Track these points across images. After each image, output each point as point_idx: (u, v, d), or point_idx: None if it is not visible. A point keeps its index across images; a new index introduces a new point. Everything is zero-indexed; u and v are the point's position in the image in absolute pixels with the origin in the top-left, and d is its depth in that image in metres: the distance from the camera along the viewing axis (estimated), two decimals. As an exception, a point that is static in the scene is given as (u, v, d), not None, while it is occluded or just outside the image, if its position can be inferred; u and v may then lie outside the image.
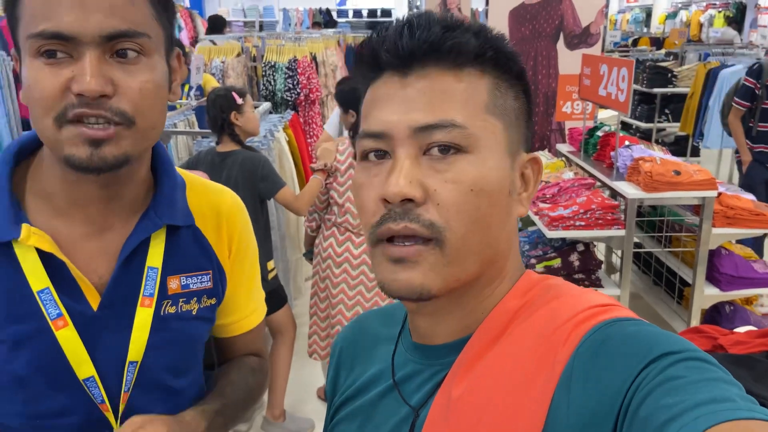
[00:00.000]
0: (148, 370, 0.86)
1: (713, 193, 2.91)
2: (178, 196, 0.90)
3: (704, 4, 17.80)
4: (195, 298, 0.91)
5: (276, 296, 2.82)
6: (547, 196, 3.24)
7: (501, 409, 0.56)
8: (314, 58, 5.61)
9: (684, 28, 15.30)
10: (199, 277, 0.92)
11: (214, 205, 0.95)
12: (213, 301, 0.94)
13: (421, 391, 0.63)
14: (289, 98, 5.21)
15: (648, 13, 21.68)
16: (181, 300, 0.89)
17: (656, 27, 19.65)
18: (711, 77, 6.09)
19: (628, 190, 2.98)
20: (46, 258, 0.80)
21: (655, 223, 3.48)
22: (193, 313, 0.91)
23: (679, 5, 19.45)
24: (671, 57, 8.68)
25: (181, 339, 0.90)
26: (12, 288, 0.80)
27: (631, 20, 21.35)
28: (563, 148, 4.01)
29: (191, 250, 0.91)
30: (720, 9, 16.59)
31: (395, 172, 0.57)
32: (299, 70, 5.22)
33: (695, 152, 7.18)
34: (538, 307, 0.60)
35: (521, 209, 0.63)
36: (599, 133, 3.62)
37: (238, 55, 5.72)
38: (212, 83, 4.77)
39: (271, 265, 2.80)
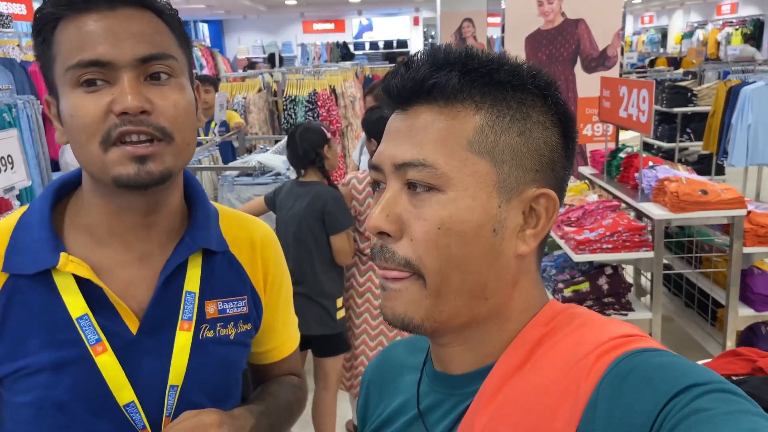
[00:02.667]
0: (188, 393, 0.87)
1: (742, 212, 2.86)
2: (211, 223, 0.93)
3: (721, 22, 17.75)
4: (232, 323, 0.93)
5: (341, 340, 2.76)
6: (572, 219, 3.22)
7: None
8: (333, 91, 5.69)
9: (701, 47, 15.26)
10: (235, 302, 0.94)
11: (248, 235, 0.98)
12: (248, 327, 0.96)
13: (445, 421, 0.63)
14: (309, 131, 5.27)
15: (664, 33, 21.69)
16: (218, 324, 0.91)
17: (672, 47, 19.63)
18: (732, 95, 6.03)
19: (655, 210, 2.94)
20: (84, 285, 0.83)
21: (684, 244, 3.42)
22: (231, 337, 0.93)
23: (695, 25, 19.43)
24: (689, 76, 8.64)
25: (219, 363, 0.92)
26: (51, 315, 0.82)
27: (647, 41, 21.37)
28: (586, 170, 3.99)
29: (227, 275, 0.94)
30: (737, 27, 16.53)
31: (377, 204, 0.60)
32: (319, 103, 5.30)
33: (720, 170, 7.09)
34: (562, 337, 0.60)
35: (522, 247, 0.60)
36: (622, 155, 3.60)
37: (259, 90, 5.83)
38: (236, 119, 4.87)
39: (339, 302, 2.74)
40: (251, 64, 10.07)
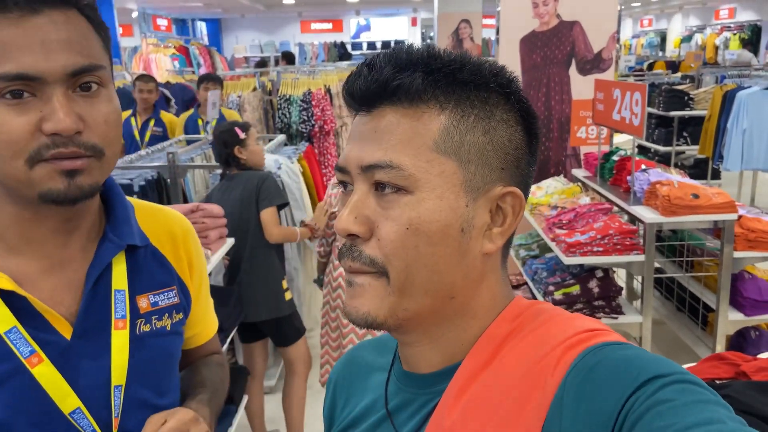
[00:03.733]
0: (133, 391, 0.87)
1: (733, 216, 2.85)
2: (131, 218, 0.92)
3: (719, 27, 17.79)
4: (166, 314, 0.94)
5: (293, 325, 2.81)
6: (564, 221, 3.21)
7: None
8: (328, 90, 5.68)
9: (699, 51, 15.28)
10: (166, 294, 0.94)
11: (167, 228, 0.98)
12: (181, 316, 0.97)
13: (413, 420, 0.63)
14: (303, 130, 5.26)
15: (663, 37, 21.73)
16: (153, 317, 0.91)
17: (671, 51, 19.66)
18: (728, 99, 6.03)
19: (646, 214, 2.94)
20: (6, 297, 0.80)
21: (676, 247, 3.42)
22: (167, 328, 0.93)
23: (694, 29, 19.46)
24: (687, 80, 8.65)
25: (160, 356, 0.92)
26: None
27: (646, 45, 21.40)
28: (579, 173, 3.98)
29: (153, 268, 0.93)
30: (735, 32, 16.56)
31: (345, 207, 0.60)
32: (313, 102, 5.28)
33: (716, 175, 7.09)
34: (528, 333, 0.60)
35: (488, 245, 0.61)
36: (615, 158, 3.59)
37: (254, 89, 5.81)
38: (235, 118, 4.87)
39: (285, 284, 2.83)
40: (262, 62, 10.10)
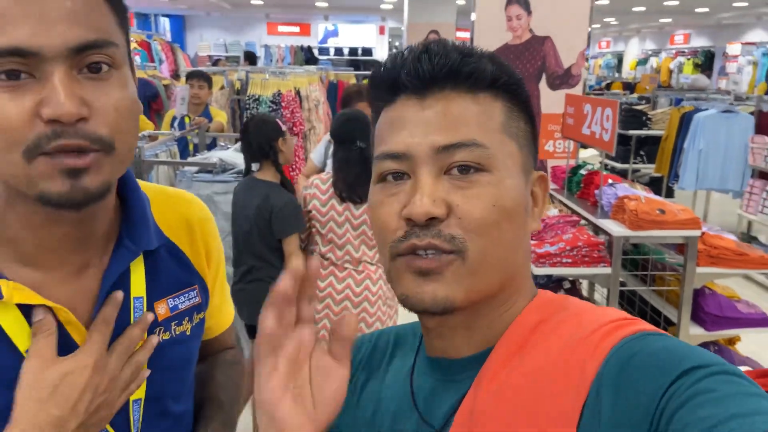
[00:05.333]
0: (153, 403, 0.81)
1: (697, 233, 2.93)
2: (149, 217, 0.82)
3: (674, 51, 18.45)
4: (186, 318, 0.86)
5: None
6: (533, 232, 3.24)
7: (529, 421, 0.56)
8: (298, 93, 5.63)
9: (654, 74, 15.80)
10: (186, 295, 0.86)
11: (183, 216, 0.90)
12: (202, 316, 0.90)
13: (442, 407, 0.63)
14: (272, 131, 5.19)
15: (619, 59, 22.41)
16: (173, 323, 0.84)
17: (627, 72, 20.29)
18: (685, 121, 6.24)
19: (614, 227, 2.99)
20: (26, 309, 0.71)
21: (638, 261, 3.49)
22: (188, 333, 0.86)
23: (649, 52, 20.14)
24: (643, 101, 8.91)
25: (180, 364, 0.86)
26: None
27: (603, 65, 22.05)
28: (546, 185, 4.03)
29: (172, 269, 0.85)
30: (689, 56, 17.20)
31: (419, 192, 0.59)
32: (283, 104, 5.23)
33: (670, 193, 7.31)
34: (559, 321, 0.62)
35: (534, 225, 0.65)
36: (583, 172, 3.66)
37: (222, 88, 5.71)
38: (221, 118, 4.77)
39: None
40: (215, 62, 10.00)
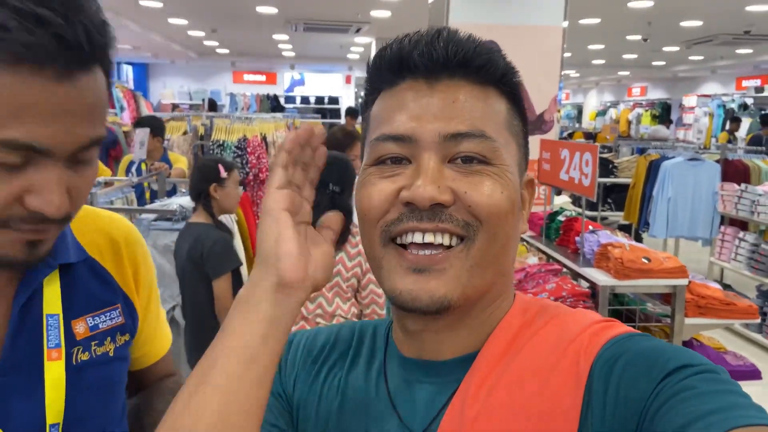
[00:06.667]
0: (74, 428, 0.76)
1: (684, 281, 2.81)
2: (66, 230, 0.79)
3: (631, 103, 19.05)
4: (108, 338, 0.83)
5: None
6: (514, 282, 3.08)
7: (527, 420, 0.55)
8: (264, 139, 5.46)
9: (614, 124, 16.20)
10: (108, 314, 0.83)
11: (108, 236, 0.87)
12: (127, 338, 0.86)
13: (424, 410, 0.61)
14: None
15: (579, 110, 23.06)
16: (93, 343, 0.81)
17: (587, 122, 20.83)
18: (653, 168, 6.27)
19: (599, 276, 2.85)
20: None
21: (622, 311, 3.35)
22: (110, 354, 0.83)
23: (608, 104, 20.77)
24: (606, 150, 9.03)
25: (102, 386, 0.81)
26: None
27: (564, 116, 22.63)
28: (523, 233, 3.91)
29: (92, 286, 0.83)
30: (646, 108, 17.75)
31: (422, 176, 0.57)
32: (249, 149, 5.05)
33: (638, 241, 7.31)
34: (545, 322, 0.62)
35: (523, 226, 0.65)
36: (561, 218, 3.54)
37: (185, 133, 5.52)
38: (182, 162, 4.56)
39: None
40: (174, 108, 9.97)
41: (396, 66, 0.60)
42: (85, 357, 0.79)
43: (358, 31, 9.71)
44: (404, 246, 0.58)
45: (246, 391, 0.53)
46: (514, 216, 0.60)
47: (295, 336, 0.74)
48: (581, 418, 0.54)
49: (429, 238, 0.57)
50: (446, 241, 0.57)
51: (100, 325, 0.82)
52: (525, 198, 0.66)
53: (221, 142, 5.13)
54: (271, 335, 0.54)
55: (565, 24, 4.38)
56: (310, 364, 0.71)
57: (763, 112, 11.50)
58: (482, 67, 0.59)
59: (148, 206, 3.59)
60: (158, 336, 0.97)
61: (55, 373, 0.75)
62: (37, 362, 0.75)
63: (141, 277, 0.89)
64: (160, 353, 0.98)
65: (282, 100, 15.32)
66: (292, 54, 14.10)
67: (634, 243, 3.10)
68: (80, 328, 0.79)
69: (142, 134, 3.99)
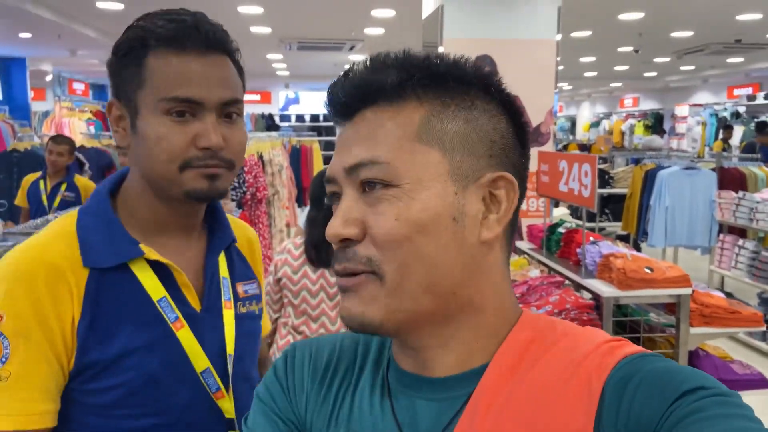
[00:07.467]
0: (240, 360, 1.03)
1: (688, 291, 2.79)
2: (228, 222, 1.11)
3: (624, 114, 19.16)
4: (254, 301, 1.12)
5: None
6: (516, 295, 3.05)
7: None
8: (261, 157, 5.45)
9: (608, 135, 16.28)
10: (252, 285, 1.12)
11: (244, 234, 1.17)
12: (261, 305, 1.16)
13: (431, 427, 0.60)
14: (234, 197, 4.97)
15: (573, 122, 23.18)
16: (247, 302, 1.09)
17: (581, 134, 20.93)
18: (649, 178, 6.28)
19: (602, 288, 2.83)
20: (158, 269, 0.96)
21: (625, 323, 3.33)
22: (256, 312, 1.12)
23: (601, 115, 20.90)
24: (600, 161, 9.06)
25: (253, 333, 1.10)
26: (136, 301, 0.94)
27: (558, 128, 22.74)
28: (523, 245, 3.89)
29: (240, 263, 1.12)
30: (639, 119, 17.85)
31: (335, 214, 0.60)
32: (246, 168, 5.02)
33: (637, 250, 7.29)
34: (555, 339, 0.61)
35: (486, 233, 0.60)
36: (561, 230, 3.53)
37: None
38: (90, 186, 4.56)
39: None
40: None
41: (331, 114, 0.65)
42: (243, 310, 1.07)
43: (351, 48, 9.76)
44: None
45: None
46: (427, 236, 0.57)
47: (295, 350, 0.71)
48: None
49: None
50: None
51: (249, 291, 1.10)
52: (500, 197, 0.60)
53: (218, 161, 5.11)
54: None
55: (558, 37, 4.40)
56: (318, 384, 0.68)
57: (756, 119, 11.56)
58: (371, 91, 0.60)
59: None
60: (265, 318, 1.24)
61: (229, 317, 1.02)
62: (219, 308, 1.02)
63: (259, 270, 1.18)
64: (266, 330, 1.25)
65: (277, 119, 15.35)
66: (287, 73, 14.16)
67: (635, 253, 3.09)
68: (240, 289, 1.08)
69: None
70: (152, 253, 0.94)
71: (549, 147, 4.33)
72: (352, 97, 0.61)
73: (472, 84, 0.61)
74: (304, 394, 0.68)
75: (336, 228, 0.58)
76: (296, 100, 16.59)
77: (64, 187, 4.49)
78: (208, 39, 0.93)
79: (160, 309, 0.94)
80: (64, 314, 0.89)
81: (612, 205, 7.58)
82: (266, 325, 1.24)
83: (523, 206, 4.06)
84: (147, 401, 0.92)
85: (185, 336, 0.95)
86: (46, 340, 0.87)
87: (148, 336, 0.93)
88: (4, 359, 0.85)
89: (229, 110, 0.95)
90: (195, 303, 0.99)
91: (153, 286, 0.95)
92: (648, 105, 18.62)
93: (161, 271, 0.96)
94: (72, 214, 0.98)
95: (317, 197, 2.40)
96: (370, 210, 0.58)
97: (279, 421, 0.67)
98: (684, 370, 0.54)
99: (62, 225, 0.96)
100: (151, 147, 0.91)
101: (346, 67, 0.63)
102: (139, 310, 0.93)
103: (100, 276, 0.92)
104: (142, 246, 0.94)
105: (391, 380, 0.65)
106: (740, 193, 5.61)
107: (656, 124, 16.97)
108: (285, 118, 16.04)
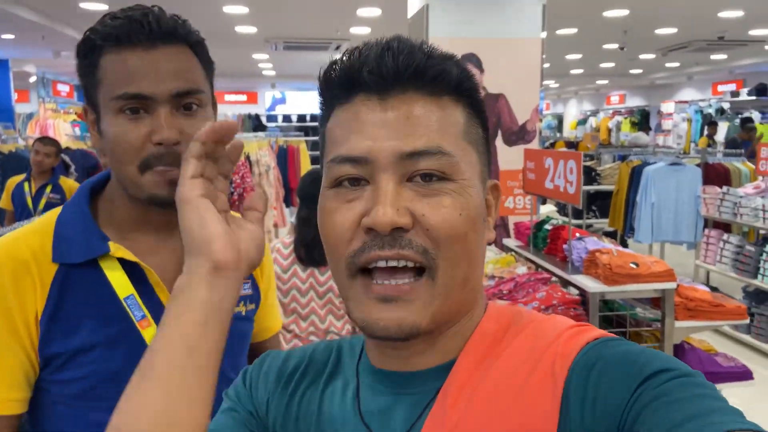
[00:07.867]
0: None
1: (673, 285, 2.82)
2: None
3: (610, 111, 19.28)
4: (242, 302, 1.08)
5: None
6: (504, 292, 3.07)
7: (508, 425, 0.55)
8: (248, 158, 5.44)
9: (595, 132, 16.37)
10: (242, 284, 1.04)
11: None
12: (253, 306, 1.13)
13: (399, 422, 0.60)
14: (221, 198, 4.95)
15: (560, 119, 23.29)
16: None
17: (568, 132, 21.03)
18: (635, 174, 6.32)
19: (589, 283, 2.86)
20: (127, 269, 0.96)
21: (612, 318, 3.36)
22: (243, 314, 1.10)
23: (588, 113, 21.01)
24: (587, 158, 9.12)
25: (237, 336, 1.06)
26: (101, 297, 0.95)
27: (545, 126, 22.82)
28: (510, 242, 3.91)
29: None
30: (625, 115, 17.96)
31: (381, 200, 0.55)
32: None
33: (624, 246, 7.35)
34: (520, 329, 0.61)
35: (489, 234, 0.63)
36: (548, 227, 3.55)
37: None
38: (73, 187, 4.55)
39: None
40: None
41: (346, 83, 0.59)
42: None
43: (337, 48, 9.75)
44: (370, 270, 0.57)
45: (189, 381, 0.53)
46: (476, 233, 0.59)
47: (267, 358, 0.73)
48: (560, 426, 0.54)
49: (392, 263, 0.56)
50: (410, 264, 0.57)
51: None
52: (490, 203, 0.64)
53: (204, 162, 5.09)
54: (210, 321, 0.56)
55: (544, 35, 4.42)
56: (282, 389, 0.69)
57: (740, 116, 11.68)
58: (435, 78, 0.58)
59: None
60: (273, 316, 1.26)
61: None
62: None
63: (264, 268, 1.18)
64: (274, 330, 1.26)
65: (264, 119, 15.30)
66: (273, 73, 14.12)
67: (621, 248, 3.12)
68: None
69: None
70: (120, 251, 0.94)
71: (534, 144, 4.36)
72: (405, 73, 0.57)
73: (477, 92, 0.63)
74: (267, 395, 0.70)
75: (391, 215, 0.54)
76: (283, 100, 16.55)
77: (49, 189, 4.47)
78: (153, 32, 0.90)
79: (125, 306, 0.94)
80: (27, 307, 0.92)
81: (599, 202, 7.63)
82: (274, 323, 1.26)
83: (510, 204, 4.08)
84: (111, 395, 0.90)
85: (152, 335, 0.93)
86: (10, 332, 0.91)
87: (110, 332, 0.93)
88: None
89: (187, 101, 0.92)
90: (167, 300, 0.97)
91: (120, 284, 0.95)
92: (634, 102, 18.75)
93: (133, 269, 0.96)
94: (59, 208, 1.01)
95: (310, 196, 2.40)
96: (424, 200, 0.56)
97: (237, 414, 0.68)
98: (645, 353, 0.54)
99: (44, 220, 0.99)
100: (112, 148, 0.92)
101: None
102: (103, 307, 0.94)
103: (68, 271, 0.94)
104: (110, 243, 0.95)
105: (363, 380, 0.65)
106: (724, 188, 5.67)
107: (642, 121, 17.09)
108: (272, 118, 15.99)
